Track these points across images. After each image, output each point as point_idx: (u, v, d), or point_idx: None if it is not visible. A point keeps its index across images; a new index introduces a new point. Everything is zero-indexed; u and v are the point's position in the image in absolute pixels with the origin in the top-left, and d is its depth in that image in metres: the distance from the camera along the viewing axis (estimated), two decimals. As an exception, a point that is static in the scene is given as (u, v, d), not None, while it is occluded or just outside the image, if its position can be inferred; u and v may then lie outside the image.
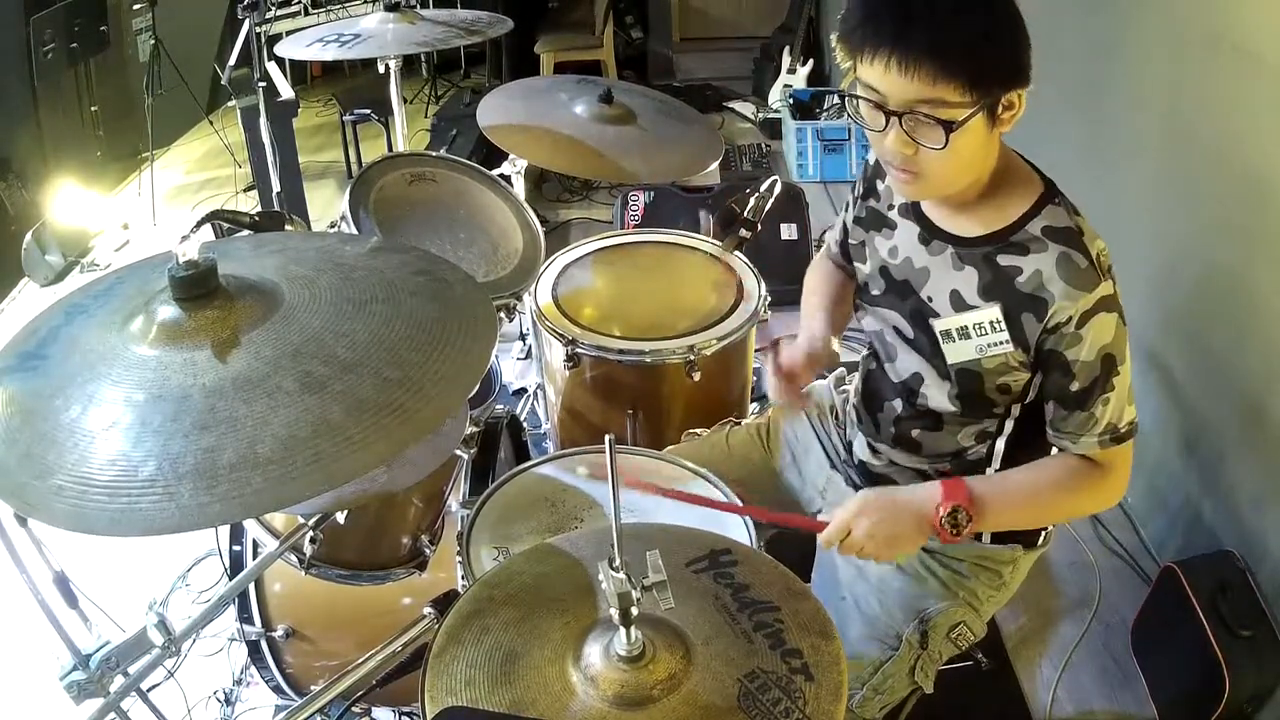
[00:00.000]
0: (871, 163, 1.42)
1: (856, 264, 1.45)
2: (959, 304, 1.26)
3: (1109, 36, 2.53)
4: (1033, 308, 1.19)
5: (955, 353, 1.27)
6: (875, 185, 1.41)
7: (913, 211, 1.33)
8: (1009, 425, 1.34)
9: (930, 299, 1.30)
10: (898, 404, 1.40)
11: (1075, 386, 1.21)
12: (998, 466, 1.37)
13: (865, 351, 1.48)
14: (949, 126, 1.10)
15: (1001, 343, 1.23)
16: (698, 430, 1.79)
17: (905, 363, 1.36)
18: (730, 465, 1.64)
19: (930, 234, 1.30)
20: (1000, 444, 1.36)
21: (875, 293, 1.39)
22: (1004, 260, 1.21)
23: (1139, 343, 2.41)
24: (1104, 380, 1.20)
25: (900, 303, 1.35)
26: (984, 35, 1.09)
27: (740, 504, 1.49)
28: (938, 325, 1.28)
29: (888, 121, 1.13)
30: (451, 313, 1.05)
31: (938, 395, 1.33)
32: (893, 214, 1.37)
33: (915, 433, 1.39)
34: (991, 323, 1.23)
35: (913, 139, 1.13)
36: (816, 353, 1.43)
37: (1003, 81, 1.11)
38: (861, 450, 1.50)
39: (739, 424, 1.75)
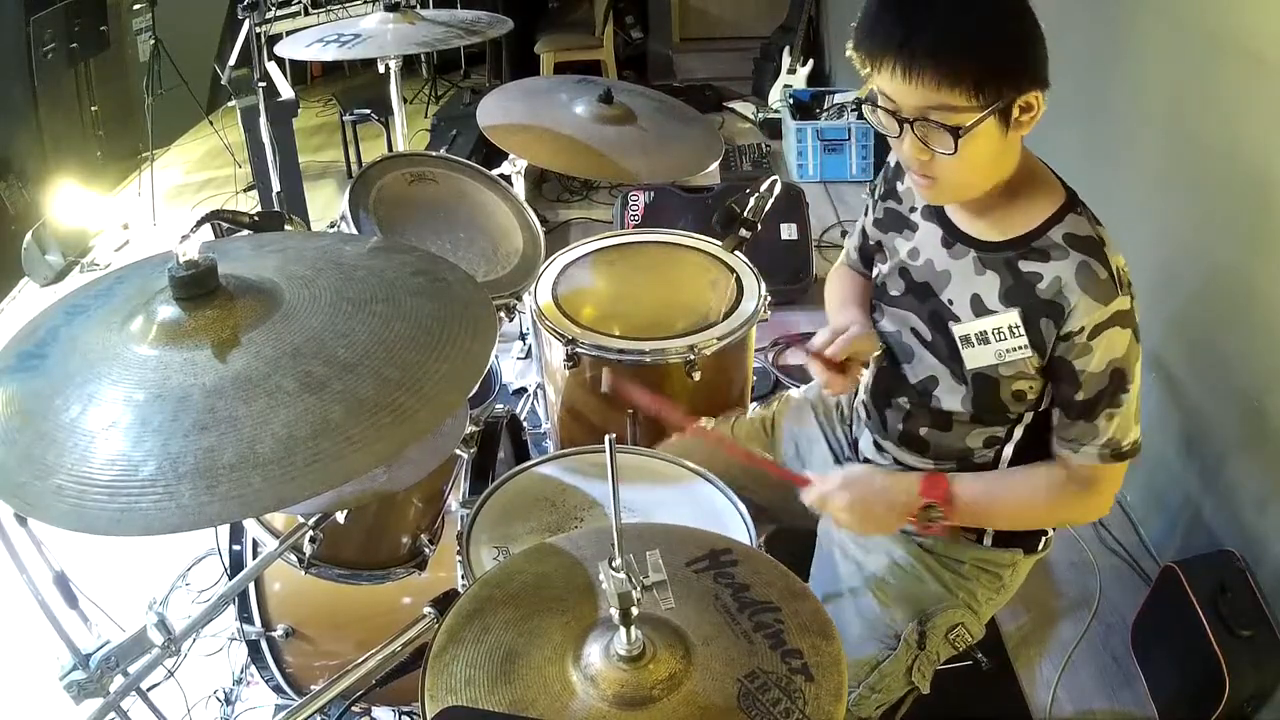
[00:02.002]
0: (892, 165, 1.42)
1: (876, 265, 1.44)
2: (979, 308, 1.26)
3: (1111, 37, 2.53)
4: (1050, 313, 1.19)
5: (974, 358, 1.27)
6: (895, 187, 1.41)
7: (935, 214, 1.33)
8: (1019, 432, 1.34)
9: (951, 302, 1.30)
10: (907, 403, 1.40)
11: (1080, 396, 1.21)
12: None
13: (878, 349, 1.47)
14: (956, 132, 1.10)
15: (1020, 348, 1.23)
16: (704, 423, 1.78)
17: (921, 365, 1.36)
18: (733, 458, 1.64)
19: (953, 237, 1.30)
20: (1008, 450, 1.35)
21: (894, 293, 1.38)
22: (1025, 266, 1.21)
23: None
24: (1110, 394, 1.20)
25: (919, 304, 1.34)
26: (987, 39, 1.08)
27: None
28: (957, 330, 1.28)
29: (901, 128, 1.14)
30: (451, 313, 1.05)
31: (951, 399, 1.33)
32: (914, 216, 1.37)
33: (924, 432, 1.39)
34: (1011, 327, 1.23)
35: (926, 145, 1.14)
36: (860, 333, 1.38)
37: (1012, 84, 1.10)
38: (867, 448, 1.50)
39: (744, 415, 1.75)
